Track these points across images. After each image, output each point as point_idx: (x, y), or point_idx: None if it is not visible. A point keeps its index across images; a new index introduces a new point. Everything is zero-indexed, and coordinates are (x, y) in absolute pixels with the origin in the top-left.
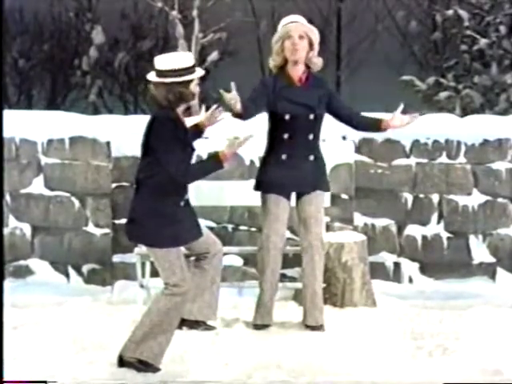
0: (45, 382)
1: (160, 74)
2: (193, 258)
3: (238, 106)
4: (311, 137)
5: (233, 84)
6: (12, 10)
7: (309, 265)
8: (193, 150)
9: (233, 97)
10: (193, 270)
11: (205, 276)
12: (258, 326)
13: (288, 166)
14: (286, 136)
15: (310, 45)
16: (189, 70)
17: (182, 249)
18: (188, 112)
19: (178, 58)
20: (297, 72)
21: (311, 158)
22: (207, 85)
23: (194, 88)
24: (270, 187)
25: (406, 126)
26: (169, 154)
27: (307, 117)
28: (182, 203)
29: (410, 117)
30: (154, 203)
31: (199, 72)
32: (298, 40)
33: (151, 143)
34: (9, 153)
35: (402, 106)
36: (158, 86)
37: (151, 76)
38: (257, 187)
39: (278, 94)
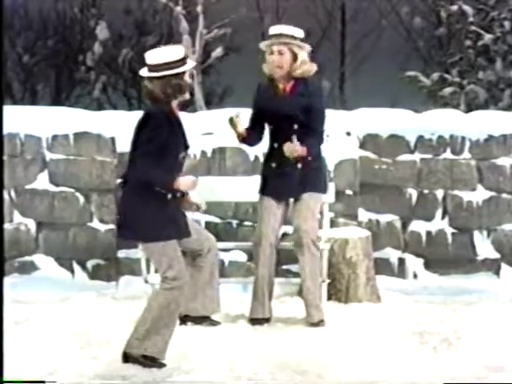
0: (43, 382)
1: (153, 68)
2: (188, 256)
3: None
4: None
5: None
6: (16, 5)
7: (301, 262)
8: (186, 147)
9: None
10: (190, 268)
11: (202, 273)
12: (253, 321)
13: (277, 174)
14: (275, 145)
15: (294, 56)
16: (181, 62)
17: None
18: (181, 106)
19: (169, 51)
20: (283, 82)
21: (299, 165)
22: (211, 80)
23: (188, 79)
24: (265, 192)
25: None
26: (144, 152)
27: (291, 127)
28: (169, 196)
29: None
30: (142, 198)
31: (191, 63)
32: (277, 57)
33: (139, 139)
34: (13, 148)
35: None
36: (153, 81)
37: (144, 72)
38: (259, 190)
39: (264, 104)
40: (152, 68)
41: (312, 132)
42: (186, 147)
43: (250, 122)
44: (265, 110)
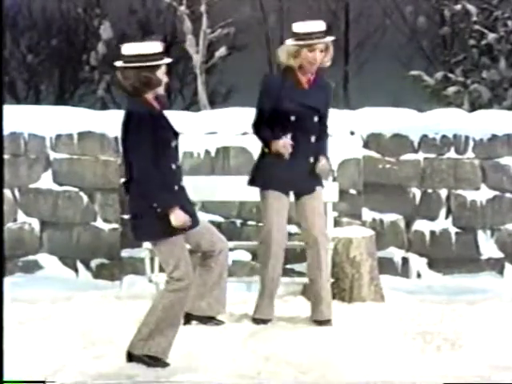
0: (43, 382)
1: (127, 59)
2: (199, 256)
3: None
4: (313, 139)
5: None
6: (20, 5)
7: (314, 259)
8: (176, 134)
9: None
10: (199, 268)
11: (212, 273)
12: (257, 321)
13: (289, 166)
14: (289, 137)
15: (326, 49)
16: (155, 56)
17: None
18: (160, 102)
19: (144, 45)
20: (307, 75)
21: (311, 159)
22: (215, 79)
23: (162, 76)
24: (269, 184)
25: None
26: (136, 150)
27: (312, 119)
28: (176, 187)
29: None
30: (146, 197)
31: (166, 59)
32: (319, 54)
33: (127, 140)
34: (17, 148)
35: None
36: (124, 72)
37: (119, 63)
38: (252, 183)
39: (285, 95)
40: (126, 59)
41: (325, 132)
42: (176, 135)
43: (262, 114)
44: (287, 101)
